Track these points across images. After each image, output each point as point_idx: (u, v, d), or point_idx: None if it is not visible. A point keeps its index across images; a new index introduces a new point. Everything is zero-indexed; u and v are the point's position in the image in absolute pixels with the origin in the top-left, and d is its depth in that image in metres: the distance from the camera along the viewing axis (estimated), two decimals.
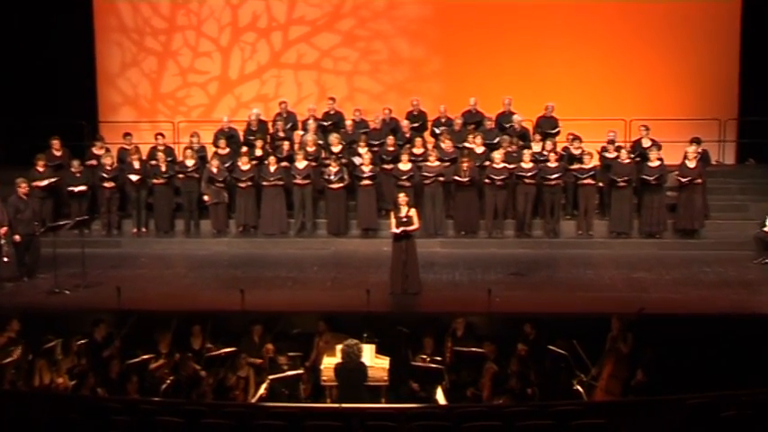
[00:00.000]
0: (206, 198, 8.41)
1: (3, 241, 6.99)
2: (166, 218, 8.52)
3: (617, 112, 9.18)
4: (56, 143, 8.64)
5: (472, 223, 8.28)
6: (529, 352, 5.72)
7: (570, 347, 5.54)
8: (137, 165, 8.51)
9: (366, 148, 8.39)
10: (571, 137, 8.55)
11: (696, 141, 8.25)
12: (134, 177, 8.43)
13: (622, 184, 8.04)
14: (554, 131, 8.74)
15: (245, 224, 8.44)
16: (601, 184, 8.23)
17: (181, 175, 8.46)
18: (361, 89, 10.17)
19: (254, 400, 5.46)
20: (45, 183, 8.17)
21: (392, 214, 6.83)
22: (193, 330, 5.97)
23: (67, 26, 9.95)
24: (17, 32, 9.86)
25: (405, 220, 6.68)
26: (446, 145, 8.39)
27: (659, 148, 8.19)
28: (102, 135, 9.20)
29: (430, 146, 8.51)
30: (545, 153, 8.29)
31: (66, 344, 5.75)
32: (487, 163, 8.23)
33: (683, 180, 8.00)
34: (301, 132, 8.84)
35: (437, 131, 8.80)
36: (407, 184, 8.05)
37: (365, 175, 8.21)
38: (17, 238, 7.15)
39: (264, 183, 8.30)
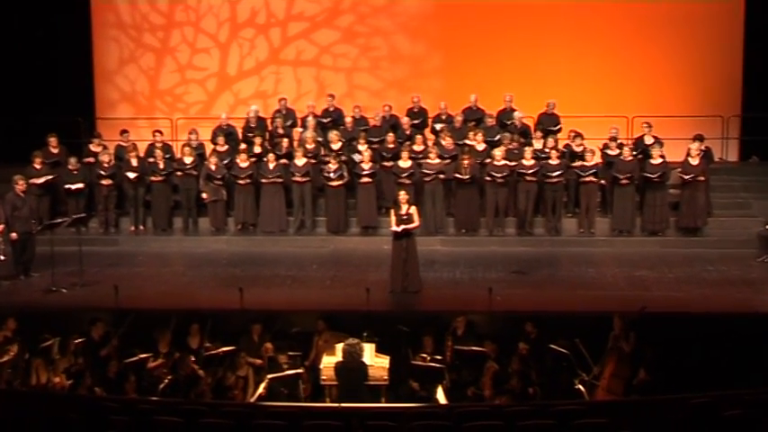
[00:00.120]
0: (204, 196, 8.37)
1: None
2: (164, 216, 8.47)
3: (619, 109, 9.14)
4: (53, 140, 8.60)
5: (473, 221, 8.24)
6: (530, 351, 5.69)
7: (573, 346, 5.50)
8: (134, 162, 8.46)
9: (366, 146, 8.35)
10: (573, 134, 8.50)
11: (699, 138, 8.21)
12: (132, 175, 8.39)
13: (625, 181, 8.00)
14: (555, 128, 8.71)
15: (244, 222, 8.41)
16: (603, 182, 8.19)
17: (179, 173, 8.42)
18: (361, 86, 10.13)
19: (252, 400, 5.42)
20: (42, 180, 8.12)
21: (392, 212, 6.78)
22: (191, 329, 5.92)
23: (65, 22, 9.92)
24: (14, 29, 9.82)
25: (405, 217, 6.64)
26: (446, 142, 8.35)
27: (662, 145, 8.16)
28: (100, 132, 9.18)
29: (430, 143, 8.47)
30: (546, 150, 8.24)
31: (64, 343, 5.72)
32: (488, 160, 8.19)
33: (686, 177, 7.97)
34: (300, 129, 8.80)
35: (437, 128, 8.76)
36: (407, 181, 8.00)
37: (365, 173, 8.17)
38: (14, 235, 7.10)
39: (263, 180, 8.27)
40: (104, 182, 8.34)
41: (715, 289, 6.81)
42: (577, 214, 8.29)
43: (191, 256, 8.01)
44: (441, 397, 5.20)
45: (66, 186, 8.30)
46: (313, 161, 8.37)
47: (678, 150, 8.23)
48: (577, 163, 8.18)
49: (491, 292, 6.24)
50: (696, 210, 8.02)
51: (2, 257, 6.98)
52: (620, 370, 5.47)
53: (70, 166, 8.34)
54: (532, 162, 8.08)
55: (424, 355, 5.74)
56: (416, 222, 6.74)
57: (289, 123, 8.95)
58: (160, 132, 8.84)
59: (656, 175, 7.95)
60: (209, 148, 8.75)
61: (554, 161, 8.10)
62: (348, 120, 8.84)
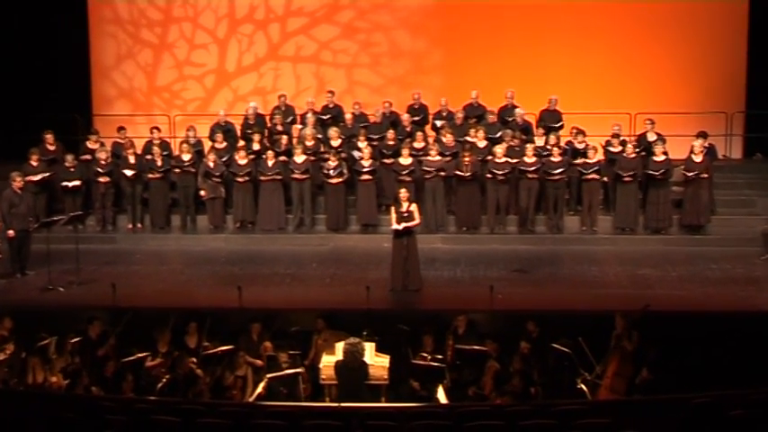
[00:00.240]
0: (202, 193, 8.32)
1: None
2: (162, 213, 8.42)
3: (621, 106, 9.07)
4: (49, 137, 8.55)
5: (474, 219, 8.20)
6: (532, 350, 5.66)
7: (576, 345, 5.46)
8: (132, 159, 8.42)
9: (366, 143, 8.31)
10: (575, 131, 8.45)
11: (702, 135, 8.15)
12: (129, 172, 8.33)
13: (628, 178, 7.95)
14: (557, 125, 8.64)
15: (243, 220, 8.36)
16: (605, 179, 8.14)
17: (177, 170, 8.38)
18: (361, 82, 10.07)
19: (251, 399, 5.36)
20: (38, 177, 8.08)
21: (392, 210, 6.74)
22: (189, 328, 5.87)
23: (61, 18, 9.85)
24: (10, 25, 9.75)
25: (406, 215, 6.61)
26: (447, 139, 8.30)
27: (664, 142, 8.11)
28: (97, 129, 9.14)
29: (431, 140, 8.43)
30: (548, 147, 8.19)
31: (61, 342, 5.68)
32: (489, 157, 8.13)
33: (689, 175, 7.92)
34: (300, 126, 8.75)
35: (438, 125, 8.71)
36: (408, 178, 7.96)
37: (365, 170, 8.13)
38: (11, 233, 7.05)
39: (262, 177, 8.22)
40: (101, 179, 8.30)
41: (718, 287, 6.78)
42: (579, 212, 8.25)
43: (189, 254, 7.97)
44: (441, 396, 5.18)
45: (63, 184, 8.25)
46: (312, 158, 8.32)
47: (681, 147, 8.18)
48: (580, 160, 8.13)
49: (492, 291, 6.23)
50: (699, 207, 7.97)
51: None
52: (622, 369, 5.45)
53: (67, 164, 8.29)
54: (534, 159, 8.02)
55: (425, 355, 5.70)
56: (417, 220, 6.71)
57: (288, 120, 8.89)
58: (158, 129, 8.79)
59: (658, 173, 7.90)
60: (207, 145, 8.71)
61: (556, 158, 8.05)
62: (348, 116, 8.79)
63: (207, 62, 10.18)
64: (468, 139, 8.39)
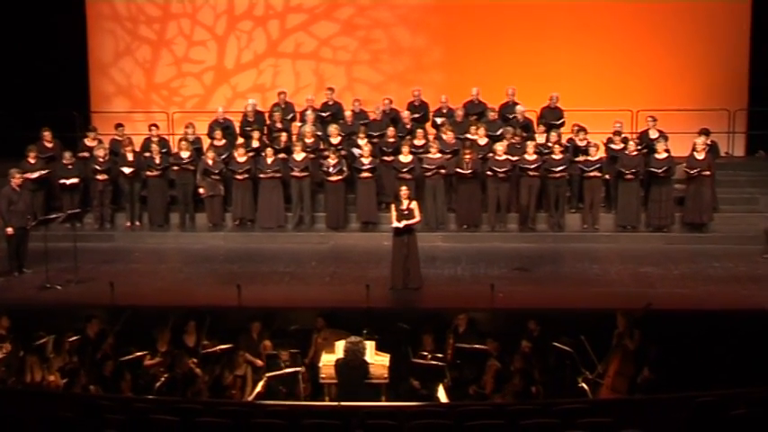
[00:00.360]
0: (201, 191, 8.29)
1: None
2: (161, 211, 8.38)
3: (623, 103, 9.03)
4: (47, 134, 8.51)
5: (475, 217, 8.16)
6: (533, 349, 5.63)
7: (578, 343, 5.43)
8: (130, 156, 8.37)
9: (366, 140, 8.27)
10: (576, 128, 8.41)
11: (705, 133, 8.12)
12: (127, 170, 8.30)
13: (629, 176, 7.91)
14: (559, 122, 8.60)
15: (242, 218, 8.32)
16: (607, 177, 8.10)
17: (175, 168, 8.34)
18: (361, 79, 10.03)
19: (251, 398, 5.33)
20: (36, 175, 8.04)
21: (393, 207, 6.70)
22: (188, 327, 5.83)
23: (60, 15, 9.80)
24: (8, 21, 9.69)
25: (406, 213, 6.57)
26: (448, 136, 8.26)
27: (667, 139, 8.07)
28: (95, 126, 9.07)
29: (431, 137, 8.39)
30: (549, 145, 8.15)
31: (58, 341, 5.65)
32: (490, 155, 8.09)
33: (692, 172, 7.88)
34: (299, 123, 8.70)
35: (438, 122, 8.66)
36: (408, 176, 7.92)
37: (365, 168, 8.08)
38: (10, 230, 7.01)
39: (261, 175, 8.18)
40: (99, 177, 8.26)
41: (721, 286, 6.75)
42: (581, 210, 8.22)
43: (187, 252, 7.93)
44: (442, 395, 5.18)
45: (61, 181, 8.22)
46: (312, 156, 8.28)
47: (683, 145, 8.14)
48: (581, 158, 8.10)
49: (493, 289, 6.20)
50: (702, 205, 7.93)
51: None
52: (624, 368, 5.43)
53: (65, 161, 8.26)
54: (535, 157, 7.99)
55: (426, 353, 5.66)
56: (417, 218, 6.68)
57: (288, 117, 8.84)
58: (156, 126, 8.75)
59: (661, 170, 7.86)
60: (206, 142, 8.66)
61: (557, 156, 8.01)
62: (348, 113, 8.74)
63: (206, 59, 10.14)
64: (468, 136, 8.36)
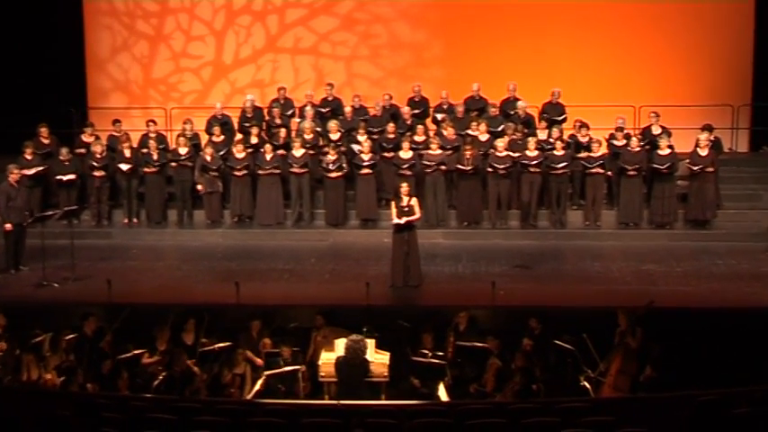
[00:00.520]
0: (199, 187, 8.24)
1: None
2: (158, 208, 8.35)
3: (626, 99, 8.98)
4: (44, 130, 8.47)
5: (475, 213, 8.12)
6: (534, 347, 5.60)
7: (580, 341, 5.39)
8: (127, 153, 8.33)
9: (365, 136, 8.22)
10: (578, 124, 8.36)
11: (708, 128, 8.08)
12: (125, 166, 8.25)
13: (632, 172, 7.86)
14: (560, 118, 8.56)
15: (241, 214, 8.28)
16: (609, 173, 8.05)
17: (173, 164, 8.30)
18: (361, 74, 9.98)
19: (249, 397, 5.28)
20: (33, 171, 7.99)
21: (393, 204, 6.66)
22: (187, 325, 5.78)
23: (56, 10, 9.75)
24: (4, 17, 9.63)
25: (406, 209, 6.53)
26: (448, 132, 8.21)
27: (670, 135, 8.03)
28: (92, 122, 9.04)
29: (431, 133, 8.35)
30: (551, 141, 8.10)
31: (55, 339, 5.61)
32: (491, 151, 8.04)
33: (695, 169, 7.84)
34: (298, 119, 8.64)
35: (439, 118, 8.62)
36: (408, 172, 7.87)
37: (365, 164, 8.03)
38: (8, 226, 6.97)
39: (260, 171, 8.14)
40: (97, 173, 8.22)
41: (724, 283, 6.72)
42: (583, 206, 8.17)
43: (185, 249, 7.90)
44: (442, 394, 5.15)
45: (58, 177, 8.18)
46: (311, 152, 8.23)
47: (687, 141, 8.10)
48: (583, 154, 8.05)
49: (494, 287, 6.18)
50: (705, 202, 7.90)
51: None
52: (626, 366, 5.40)
53: (61, 157, 8.21)
54: (536, 153, 7.93)
55: (426, 351, 5.61)
56: (417, 214, 6.64)
57: (287, 113, 8.78)
58: (154, 122, 8.71)
59: (663, 167, 7.81)
60: (204, 138, 8.62)
61: (559, 152, 7.96)
62: (347, 109, 8.70)
63: (204, 54, 10.09)
64: (469, 132, 8.31)
